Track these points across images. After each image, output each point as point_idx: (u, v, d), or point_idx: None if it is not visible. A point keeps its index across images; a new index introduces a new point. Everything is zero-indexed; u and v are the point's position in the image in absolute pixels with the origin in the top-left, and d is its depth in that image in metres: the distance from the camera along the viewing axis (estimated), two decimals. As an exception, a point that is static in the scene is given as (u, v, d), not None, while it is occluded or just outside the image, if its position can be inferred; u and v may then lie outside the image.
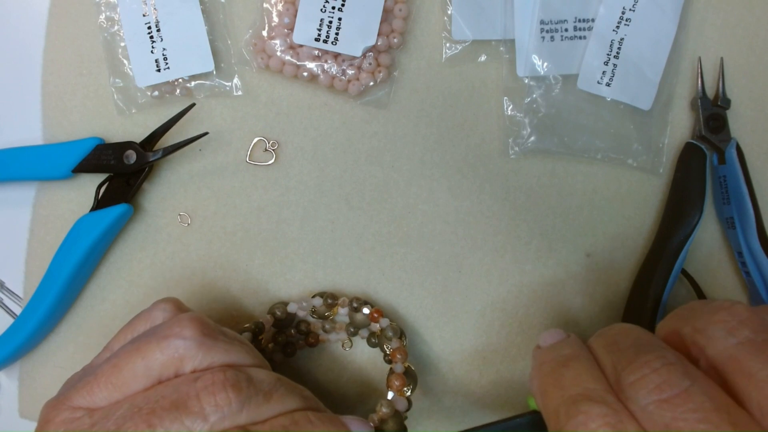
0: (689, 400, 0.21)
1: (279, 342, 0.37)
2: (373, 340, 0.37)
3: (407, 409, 0.32)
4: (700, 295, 0.37)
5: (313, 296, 0.37)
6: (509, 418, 0.28)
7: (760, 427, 0.20)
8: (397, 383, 0.32)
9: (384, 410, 0.30)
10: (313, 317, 0.37)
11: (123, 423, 0.24)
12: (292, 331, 0.38)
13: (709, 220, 0.38)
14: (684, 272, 0.37)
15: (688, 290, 0.38)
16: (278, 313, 0.36)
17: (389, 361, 0.35)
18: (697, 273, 0.38)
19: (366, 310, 0.36)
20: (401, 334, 0.35)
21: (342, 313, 0.36)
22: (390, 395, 0.32)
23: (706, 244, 0.38)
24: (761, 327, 0.22)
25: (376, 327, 0.36)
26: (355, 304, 0.36)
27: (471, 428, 0.28)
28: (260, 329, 0.36)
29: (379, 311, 0.36)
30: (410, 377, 0.33)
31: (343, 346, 0.38)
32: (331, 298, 0.36)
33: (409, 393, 0.32)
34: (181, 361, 0.26)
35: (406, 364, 0.33)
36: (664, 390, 0.21)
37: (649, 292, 0.36)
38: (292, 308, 0.36)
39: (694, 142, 0.37)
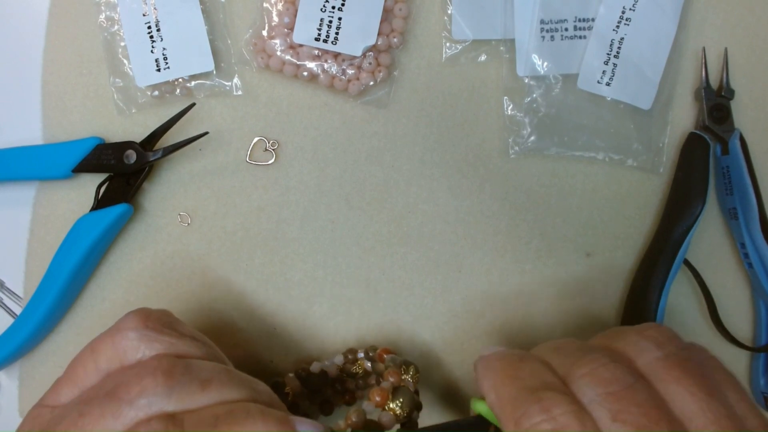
0: (634, 396, 0.22)
1: (316, 401, 0.37)
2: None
3: (399, 424, 0.31)
4: (703, 285, 0.37)
5: (336, 356, 0.37)
6: (454, 421, 0.29)
7: (686, 428, 0.22)
8: (377, 397, 0.30)
9: (353, 418, 0.29)
10: (344, 376, 0.37)
11: (66, 414, 0.25)
12: (329, 391, 0.38)
13: (712, 211, 0.38)
14: (686, 263, 0.37)
15: (691, 281, 0.38)
16: (302, 373, 0.36)
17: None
18: (699, 264, 0.38)
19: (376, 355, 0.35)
20: (402, 365, 0.34)
21: (368, 366, 0.36)
22: (364, 404, 0.30)
23: (709, 235, 0.38)
24: (684, 345, 0.25)
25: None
26: (371, 353, 0.36)
27: (421, 428, 0.28)
28: (279, 389, 0.35)
29: (387, 350, 0.35)
30: (403, 394, 0.31)
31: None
32: (351, 354, 0.36)
33: (398, 410, 0.30)
34: (125, 353, 0.27)
35: (403, 385, 0.32)
36: (611, 384, 0.23)
37: (652, 282, 0.36)
38: (315, 368, 0.36)
39: (698, 132, 0.37)
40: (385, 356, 0.34)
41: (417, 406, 0.32)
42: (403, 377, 0.32)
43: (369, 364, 0.36)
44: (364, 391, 0.38)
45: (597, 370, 0.23)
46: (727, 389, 0.24)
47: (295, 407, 0.37)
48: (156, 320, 0.28)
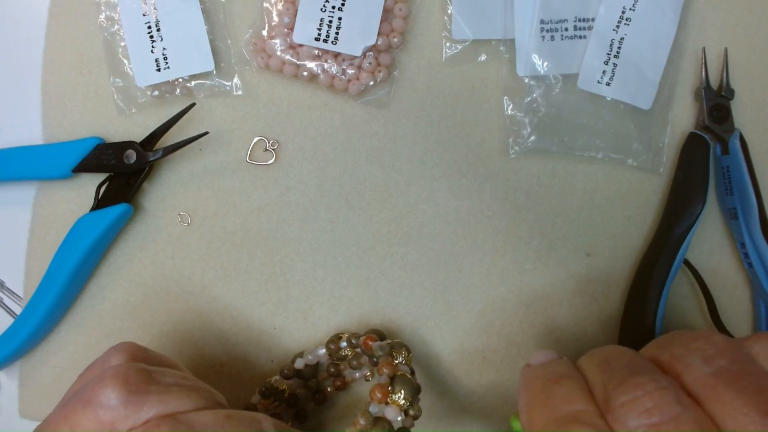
0: (678, 427, 0.20)
1: (310, 389, 0.37)
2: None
3: (407, 417, 0.31)
4: (703, 285, 0.37)
5: (320, 348, 0.36)
6: None
7: None
8: (378, 394, 0.30)
9: (361, 422, 0.28)
10: (336, 362, 0.37)
11: None
12: (321, 375, 0.38)
13: (712, 211, 0.38)
14: (686, 263, 0.37)
15: (691, 281, 0.38)
16: (286, 372, 0.36)
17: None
18: (699, 264, 0.38)
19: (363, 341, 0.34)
20: (391, 351, 0.33)
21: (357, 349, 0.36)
22: (371, 407, 0.30)
23: (709, 235, 0.38)
24: (737, 358, 0.22)
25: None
26: (353, 341, 0.35)
27: None
28: (271, 392, 0.36)
29: (371, 337, 0.34)
30: (402, 384, 0.31)
31: (366, 378, 0.38)
32: (333, 343, 0.36)
33: (402, 401, 0.30)
34: (113, 425, 0.24)
35: (399, 373, 0.32)
36: (654, 414, 0.21)
37: (652, 282, 0.36)
38: (299, 364, 0.36)
39: (698, 132, 0.37)
40: (371, 344, 0.34)
41: (417, 390, 0.31)
42: (395, 362, 0.32)
43: (357, 349, 0.36)
44: (356, 372, 0.37)
45: (639, 399, 0.21)
46: None
47: (294, 400, 0.37)
48: (136, 379, 0.25)
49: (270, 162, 0.39)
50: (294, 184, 0.39)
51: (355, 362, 0.37)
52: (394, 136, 0.39)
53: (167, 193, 0.39)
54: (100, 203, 0.38)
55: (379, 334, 0.36)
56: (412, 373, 0.32)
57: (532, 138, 0.38)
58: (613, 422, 0.22)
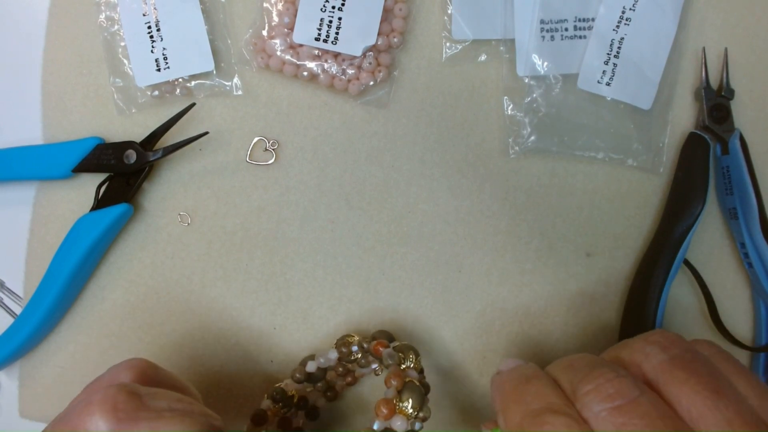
0: (638, 408, 0.22)
1: (320, 388, 0.37)
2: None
3: (415, 420, 0.30)
4: (703, 285, 0.37)
5: (331, 351, 0.36)
6: None
7: (696, 430, 0.22)
8: (384, 410, 0.30)
9: None
10: (345, 362, 0.37)
11: None
12: (331, 373, 0.37)
13: (712, 211, 0.38)
14: (686, 262, 0.37)
15: (691, 281, 0.38)
16: (298, 376, 0.36)
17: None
18: (699, 263, 0.38)
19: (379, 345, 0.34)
20: (399, 358, 0.33)
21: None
22: (376, 425, 0.30)
23: (709, 235, 0.38)
24: (688, 348, 0.25)
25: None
26: (365, 345, 0.35)
27: None
28: (282, 396, 0.35)
29: (382, 343, 0.34)
30: (410, 392, 0.31)
31: (375, 373, 0.37)
32: (344, 347, 0.36)
33: (409, 410, 0.30)
34: None
35: (408, 380, 0.31)
36: (615, 399, 0.23)
37: (652, 282, 0.36)
38: (310, 367, 0.36)
39: (698, 132, 0.37)
40: (381, 350, 0.34)
41: (426, 390, 0.31)
42: (403, 367, 0.32)
43: (387, 354, 0.35)
44: (365, 369, 0.37)
45: (602, 386, 0.24)
46: (738, 381, 0.24)
47: (304, 402, 0.37)
48: (125, 405, 0.25)
49: (270, 162, 0.39)
50: (294, 184, 0.39)
51: (363, 361, 0.36)
52: (394, 136, 0.39)
53: (167, 193, 0.39)
54: (100, 203, 0.38)
55: (388, 336, 0.36)
56: (422, 372, 0.32)
57: (532, 138, 0.38)
58: (581, 409, 0.24)
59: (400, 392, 0.31)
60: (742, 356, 0.39)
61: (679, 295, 0.38)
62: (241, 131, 0.39)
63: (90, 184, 0.39)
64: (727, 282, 0.38)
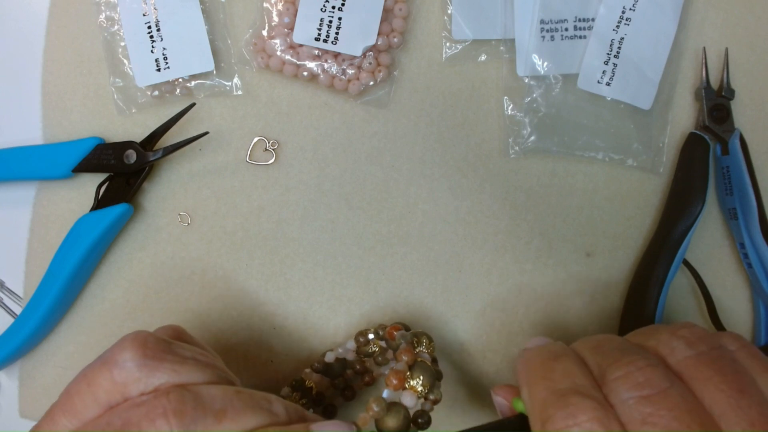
0: (667, 399, 0.22)
1: (338, 386, 0.37)
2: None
3: (426, 401, 0.30)
4: (702, 285, 0.37)
5: (349, 341, 0.36)
6: (497, 422, 0.28)
7: (719, 427, 0.22)
8: (394, 380, 0.30)
9: (374, 407, 0.28)
10: (361, 357, 0.36)
11: None
12: (348, 372, 0.37)
13: (712, 211, 0.38)
14: (686, 262, 0.37)
15: (690, 281, 0.38)
16: (317, 365, 0.36)
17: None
18: (698, 264, 0.38)
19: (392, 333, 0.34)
20: (413, 340, 0.33)
21: (382, 343, 0.35)
22: (384, 393, 0.30)
23: (709, 235, 0.38)
24: (715, 344, 0.25)
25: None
26: (380, 332, 0.35)
27: (464, 430, 0.27)
28: (300, 385, 0.35)
29: (396, 327, 0.34)
30: (420, 370, 0.31)
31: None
32: (362, 336, 0.36)
33: (419, 387, 0.30)
34: (125, 386, 0.25)
35: (419, 360, 0.31)
36: (645, 387, 0.23)
37: (651, 282, 0.36)
38: (329, 358, 0.36)
39: (698, 132, 0.37)
40: (395, 333, 0.34)
41: (437, 376, 0.31)
42: (417, 350, 0.32)
43: (383, 343, 0.35)
44: (383, 368, 0.37)
45: (632, 374, 0.23)
46: (764, 380, 0.24)
47: (321, 398, 0.37)
48: (154, 346, 0.26)
49: (270, 162, 0.39)
50: (294, 184, 0.39)
51: (380, 358, 0.36)
52: (394, 136, 0.39)
53: (167, 193, 0.39)
54: (100, 203, 0.38)
55: (405, 326, 0.36)
56: (434, 361, 0.32)
57: (532, 138, 0.38)
58: (608, 394, 0.23)
59: (411, 368, 0.30)
60: (742, 356, 0.39)
61: (678, 295, 0.38)
62: (241, 131, 0.39)
63: (90, 184, 0.39)
64: (727, 282, 0.38)
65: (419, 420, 0.30)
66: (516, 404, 0.27)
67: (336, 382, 0.37)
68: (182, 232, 0.39)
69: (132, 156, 0.38)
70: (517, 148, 0.38)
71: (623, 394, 0.23)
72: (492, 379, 0.39)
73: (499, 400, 0.28)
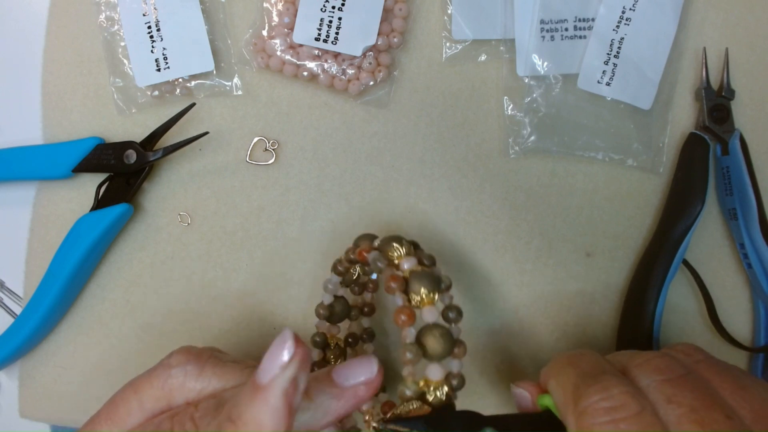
0: (687, 383, 0.24)
1: (354, 317, 0.36)
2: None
3: (452, 371, 0.27)
4: (702, 286, 0.37)
5: (333, 276, 0.34)
6: (522, 413, 0.29)
7: (733, 409, 0.24)
8: (403, 317, 0.26)
9: (407, 392, 0.26)
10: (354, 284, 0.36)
11: None
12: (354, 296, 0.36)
13: (712, 211, 0.38)
14: (685, 263, 0.37)
15: (690, 281, 0.38)
16: (321, 311, 0.35)
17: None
18: (698, 264, 0.38)
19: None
20: (388, 257, 0.30)
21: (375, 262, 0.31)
22: (405, 334, 0.26)
23: (708, 235, 0.38)
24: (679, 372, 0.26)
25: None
26: (352, 256, 0.32)
27: (489, 416, 0.27)
28: (324, 340, 0.35)
29: (365, 248, 0.30)
30: (416, 281, 0.27)
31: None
32: (339, 265, 0.33)
33: (426, 297, 0.27)
34: (171, 393, 0.27)
35: (410, 272, 0.28)
36: (666, 372, 0.25)
37: (651, 282, 0.36)
38: (326, 300, 0.35)
39: (698, 132, 0.37)
40: (367, 256, 0.30)
41: (436, 279, 0.28)
42: (398, 263, 0.29)
43: (373, 258, 0.31)
44: (375, 275, 0.36)
45: (652, 360, 0.26)
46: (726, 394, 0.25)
47: (348, 343, 0.36)
48: (199, 350, 0.28)
49: (270, 162, 0.39)
50: (294, 184, 0.39)
51: (368, 268, 0.34)
52: (394, 136, 0.39)
53: (167, 193, 0.39)
54: (100, 203, 0.38)
55: (372, 236, 0.33)
56: (421, 263, 0.29)
57: (532, 138, 0.38)
58: (633, 380, 0.25)
59: (406, 291, 0.28)
60: (741, 357, 0.39)
61: (678, 295, 0.38)
62: (241, 131, 0.39)
63: (90, 184, 0.39)
64: (727, 282, 0.38)
65: (453, 382, 0.27)
66: (541, 400, 0.28)
67: (352, 314, 0.36)
68: (182, 232, 0.39)
69: (132, 156, 0.38)
70: (517, 148, 0.38)
71: (646, 379, 0.25)
72: (492, 379, 0.39)
73: (521, 391, 0.29)
